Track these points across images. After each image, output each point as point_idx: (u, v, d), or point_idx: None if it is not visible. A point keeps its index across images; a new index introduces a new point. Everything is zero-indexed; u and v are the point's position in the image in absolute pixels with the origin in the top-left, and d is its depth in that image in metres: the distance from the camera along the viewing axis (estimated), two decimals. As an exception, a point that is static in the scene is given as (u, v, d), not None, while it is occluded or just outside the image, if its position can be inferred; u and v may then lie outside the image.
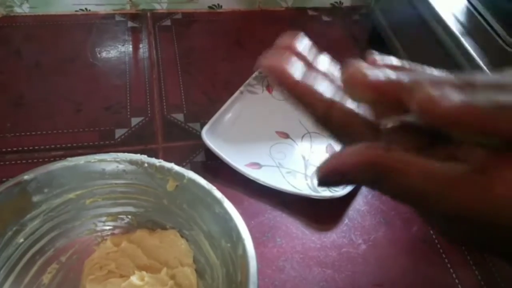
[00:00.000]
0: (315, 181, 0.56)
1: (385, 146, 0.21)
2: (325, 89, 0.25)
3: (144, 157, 0.44)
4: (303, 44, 0.27)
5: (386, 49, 0.71)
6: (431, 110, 0.18)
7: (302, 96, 0.24)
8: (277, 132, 0.62)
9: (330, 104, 0.24)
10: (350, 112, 0.24)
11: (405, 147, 0.21)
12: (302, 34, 0.27)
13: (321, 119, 0.24)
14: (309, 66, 0.26)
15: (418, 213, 0.24)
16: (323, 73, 0.26)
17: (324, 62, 0.27)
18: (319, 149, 0.61)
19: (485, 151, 0.19)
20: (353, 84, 0.22)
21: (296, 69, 0.25)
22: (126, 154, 0.44)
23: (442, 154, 0.20)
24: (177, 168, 0.44)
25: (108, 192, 0.45)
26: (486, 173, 0.18)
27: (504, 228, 0.19)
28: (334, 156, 0.22)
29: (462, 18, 0.57)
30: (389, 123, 0.22)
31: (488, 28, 0.55)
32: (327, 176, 0.22)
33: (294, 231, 0.52)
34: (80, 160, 0.43)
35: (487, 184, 0.18)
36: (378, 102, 0.22)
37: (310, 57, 0.26)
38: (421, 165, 0.20)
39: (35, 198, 0.43)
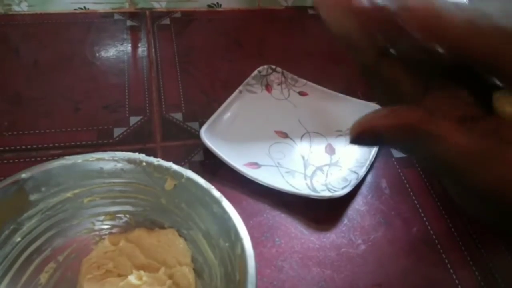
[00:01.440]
0: (314, 182, 0.56)
1: (427, 111, 0.20)
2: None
3: (142, 156, 0.44)
4: None
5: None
6: (435, 25, 0.17)
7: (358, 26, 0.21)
8: (276, 132, 0.62)
9: (382, 52, 0.22)
10: (401, 68, 0.22)
11: (448, 115, 0.19)
12: None
13: (370, 68, 0.22)
14: None
15: (446, 185, 0.22)
16: None
17: None
18: (318, 149, 0.60)
19: None
20: (335, 9, 0.21)
21: None
22: (124, 153, 0.44)
23: (485, 128, 0.19)
24: (175, 167, 0.43)
25: (106, 191, 0.45)
26: None
27: None
28: (370, 115, 0.21)
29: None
30: (434, 90, 0.21)
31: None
32: (361, 136, 0.21)
33: (293, 231, 0.52)
34: (78, 158, 0.43)
35: None
36: (365, 29, 0.21)
37: None
38: (461, 137, 0.19)
39: (32, 197, 0.42)
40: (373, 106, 0.63)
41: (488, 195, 0.18)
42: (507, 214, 0.19)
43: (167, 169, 0.43)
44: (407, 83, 0.22)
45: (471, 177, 0.19)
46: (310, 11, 0.84)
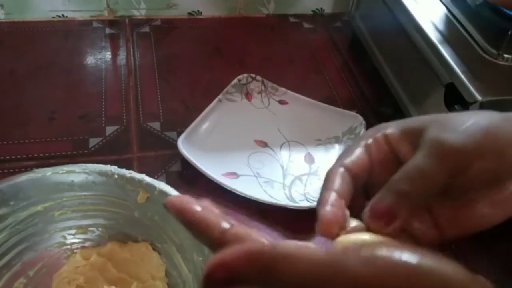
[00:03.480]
0: (293, 191, 0.56)
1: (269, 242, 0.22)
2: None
3: (114, 168, 0.43)
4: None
5: (366, 55, 0.71)
6: None
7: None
8: (255, 141, 0.61)
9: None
10: None
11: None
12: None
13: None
14: None
15: None
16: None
17: None
18: (297, 158, 0.60)
19: None
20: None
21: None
22: (95, 165, 0.43)
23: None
24: (148, 179, 0.43)
25: (77, 204, 0.44)
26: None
27: None
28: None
29: (440, 26, 0.57)
30: None
31: (467, 36, 0.55)
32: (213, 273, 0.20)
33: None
34: (48, 171, 0.42)
35: None
36: None
37: None
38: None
39: (1, 211, 0.41)
40: (353, 115, 0.62)
41: None
42: None
43: (140, 182, 0.43)
44: None
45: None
46: (292, 19, 0.84)
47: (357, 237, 0.24)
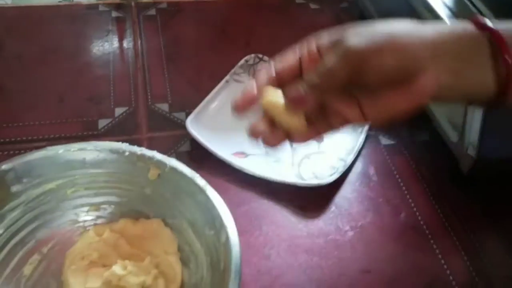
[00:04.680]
0: (301, 170, 0.56)
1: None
2: None
3: (125, 145, 0.43)
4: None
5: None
6: None
7: None
8: (263, 121, 0.61)
9: None
10: None
11: None
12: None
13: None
14: None
15: None
16: None
17: None
18: (306, 137, 0.60)
19: None
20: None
21: None
22: (106, 142, 0.43)
23: None
24: (159, 156, 0.43)
25: (89, 181, 0.44)
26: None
27: None
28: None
29: (452, 5, 0.57)
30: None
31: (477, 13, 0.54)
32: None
33: (280, 219, 0.51)
34: (60, 149, 0.43)
35: None
36: None
37: None
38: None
39: (14, 188, 0.42)
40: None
41: None
42: None
43: (150, 158, 0.43)
44: None
45: None
46: (298, 0, 0.83)
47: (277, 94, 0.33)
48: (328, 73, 0.31)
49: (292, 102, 0.32)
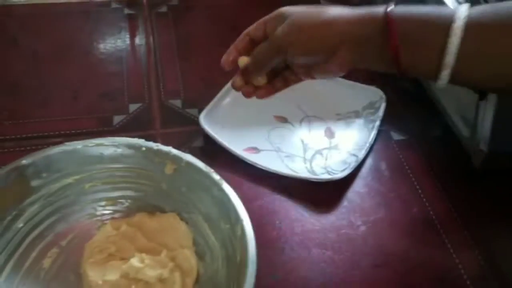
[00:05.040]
0: (313, 165, 0.56)
1: None
2: None
3: (141, 141, 0.44)
4: None
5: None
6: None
7: None
8: (275, 117, 0.62)
9: None
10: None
11: None
12: None
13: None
14: None
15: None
16: None
17: None
18: (317, 133, 0.60)
19: None
20: None
21: None
22: (124, 138, 0.44)
23: None
24: (174, 151, 0.44)
25: (107, 176, 0.45)
26: None
27: None
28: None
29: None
30: None
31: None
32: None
33: (293, 213, 0.52)
34: (78, 144, 0.43)
35: None
36: None
37: None
38: None
39: (34, 183, 0.43)
40: (373, 90, 0.63)
41: None
42: None
43: (167, 154, 0.44)
44: None
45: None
46: (308, -3, 0.83)
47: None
48: (262, 51, 0.43)
49: (244, 71, 0.45)
